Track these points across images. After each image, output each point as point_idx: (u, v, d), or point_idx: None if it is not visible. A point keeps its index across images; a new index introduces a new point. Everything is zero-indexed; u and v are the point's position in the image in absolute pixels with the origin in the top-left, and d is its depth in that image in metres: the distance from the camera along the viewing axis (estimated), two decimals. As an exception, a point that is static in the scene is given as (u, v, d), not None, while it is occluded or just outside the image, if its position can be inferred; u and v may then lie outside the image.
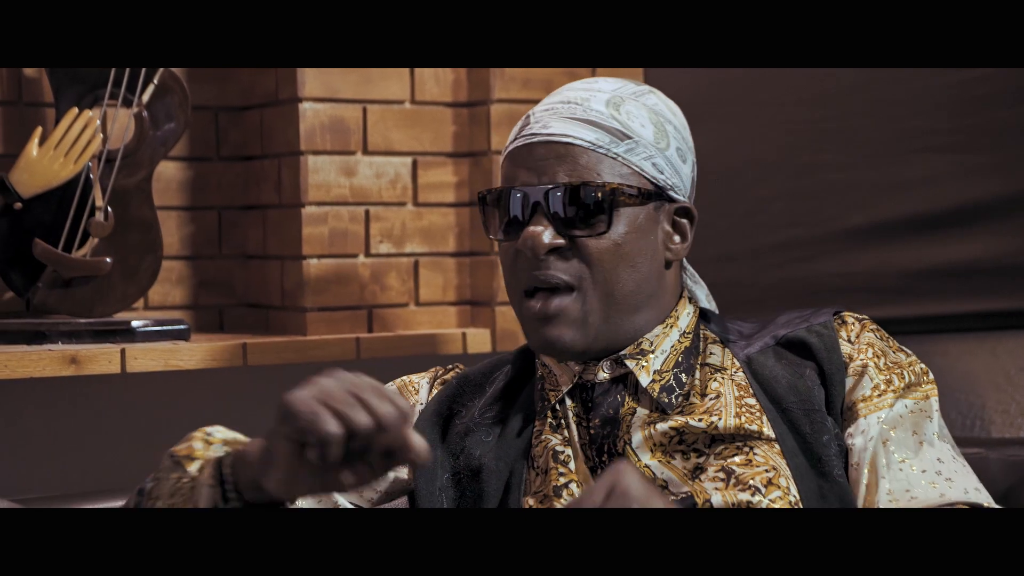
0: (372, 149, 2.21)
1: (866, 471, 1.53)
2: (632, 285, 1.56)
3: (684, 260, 1.65)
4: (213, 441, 1.46)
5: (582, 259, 1.55)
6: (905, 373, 1.57)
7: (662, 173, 1.58)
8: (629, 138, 1.57)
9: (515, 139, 1.60)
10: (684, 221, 1.62)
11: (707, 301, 1.67)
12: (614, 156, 1.56)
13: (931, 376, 1.59)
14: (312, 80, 2.15)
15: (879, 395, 1.55)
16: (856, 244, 2.16)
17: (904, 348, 1.60)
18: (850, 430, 1.55)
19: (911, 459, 1.53)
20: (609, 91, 1.60)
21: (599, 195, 1.55)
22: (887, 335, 1.61)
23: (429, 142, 2.25)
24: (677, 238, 1.61)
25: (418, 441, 1.28)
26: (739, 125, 2.28)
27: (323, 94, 2.16)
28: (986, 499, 1.54)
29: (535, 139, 1.58)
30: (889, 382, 1.56)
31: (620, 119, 1.58)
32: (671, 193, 1.60)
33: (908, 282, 2.12)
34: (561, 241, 1.55)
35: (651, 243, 1.58)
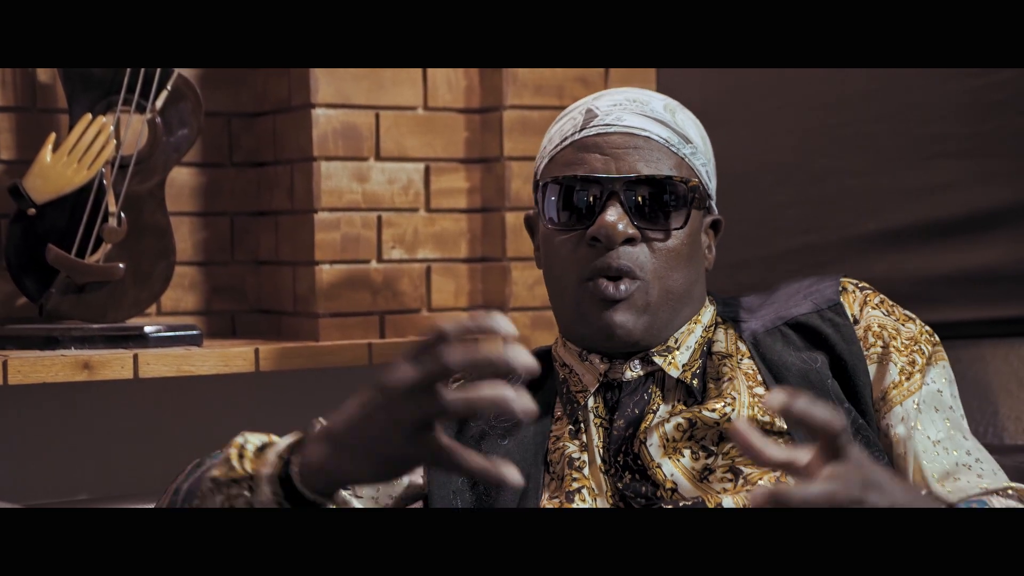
0: (384, 155, 2.21)
1: (912, 459, 1.55)
2: (686, 285, 1.58)
3: None
4: (247, 453, 1.40)
5: (651, 252, 1.56)
6: (923, 347, 1.58)
7: (711, 181, 1.62)
8: (691, 142, 1.60)
9: (581, 128, 1.60)
10: (712, 233, 1.65)
11: None
12: (682, 156, 1.59)
13: (936, 337, 1.61)
14: (325, 86, 2.16)
15: (907, 378, 1.56)
16: (870, 250, 2.16)
17: (907, 312, 1.62)
18: (888, 420, 1.56)
19: (943, 441, 1.55)
20: (659, 97, 1.63)
21: (681, 191, 1.56)
22: (890, 303, 1.62)
23: (441, 148, 2.25)
24: (707, 250, 1.64)
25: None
26: (753, 130, 2.27)
27: (336, 100, 2.17)
28: (1004, 478, 1.57)
29: (611, 129, 1.58)
30: (913, 363, 1.57)
31: (678, 123, 1.60)
32: (711, 203, 1.63)
33: (921, 288, 2.11)
34: (634, 232, 1.55)
35: (700, 248, 1.61)
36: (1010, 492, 1.53)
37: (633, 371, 1.58)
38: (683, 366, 1.58)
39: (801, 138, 2.23)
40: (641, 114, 1.59)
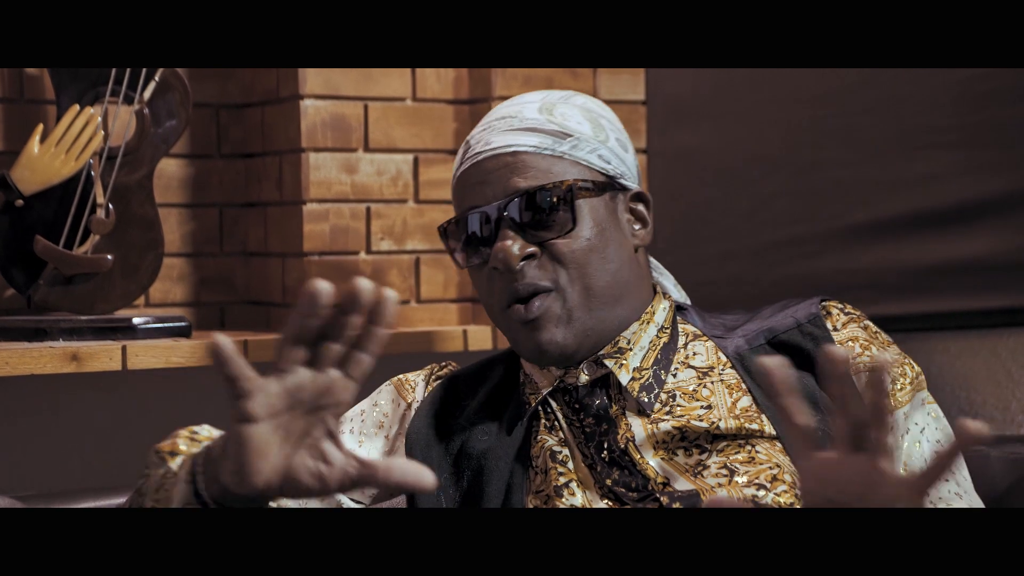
0: (373, 146, 2.20)
1: (901, 469, 1.54)
2: (608, 276, 1.57)
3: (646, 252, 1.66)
4: (199, 439, 1.44)
5: (555, 262, 1.56)
6: (912, 363, 1.59)
7: (609, 163, 1.61)
8: (570, 136, 1.59)
9: (459, 165, 1.62)
10: (640, 207, 1.64)
11: (676, 290, 1.69)
12: (560, 155, 1.58)
13: (918, 367, 1.62)
14: (313, 77, 2.15)
15: (899, 389, 1.56)
16: (858, 241, 2.16)
17: (889, 338, 1.62)
18: None
19: (930, 457, 1.55)
20: (538, 100, 1.63)
21: (557, 195, 1.56)
22: (874, 328, 1.63)
23: (430, 139, 2.25)
24: (638, 225, 1.63)
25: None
26: (741, 122, 2.27)
27: (324, 91, 2.16)
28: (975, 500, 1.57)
29: (480, 157, 1.59)
30: (904, 374, 1.57)
31: (556, 121, 1.60)
32: (622, 181, 1.62)
33: (910, 279, 2.11)
34: (532, 249, 1.56)
35: (617, 233, 1.60)
36: None
37: (585, 375, 1.58)
38: (635, 370, 1.57)
39: (789, 130, 2.23)
40: (508, 130, 1.60)
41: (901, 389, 1.57)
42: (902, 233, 2.12)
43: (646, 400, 1.55)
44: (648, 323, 1.60)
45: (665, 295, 1.65)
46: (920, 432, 1.56)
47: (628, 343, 1.58)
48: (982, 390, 2.06)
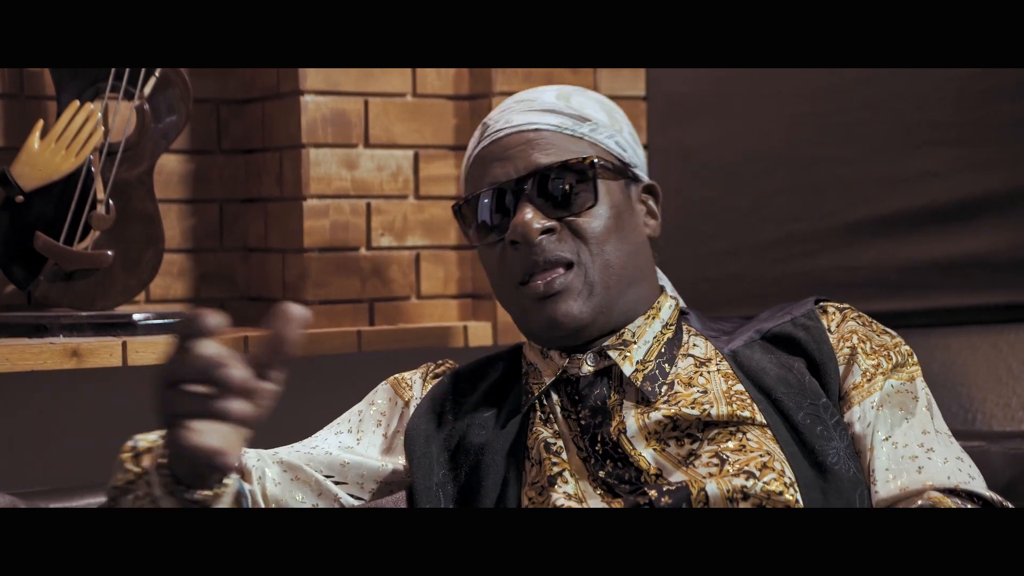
0: (373, 142, 2.20)
1: (868, 456, 1.55)
2: (625, 257, 1.59)
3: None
4: (140, 449, 1.41)
5: (575, 237, 1.58)
6: (892, 354, 1.59)
7: (625, 151, 1.64)
8: (589, 120, 1.61)
9: (478, 144, 1.63)
10: (651, 200, 1.66)
11: (671, 290, 1.70)
12: (580, 136, 1.61)
13: (915, 358, 1.62)
14: (313, 73, 2.15)
15: (868, 380, 1.57)
16: (858, 238, 2.16)
17: (888, 330, 1.63)
18: (848, 417, 1.57)
19: (894, 436, 1.55)
20: (554, 89, 1.66)
21: (581, 170, 1.58)
22: (870, 319, 1.63)
23: (430, 135, 2.25)
24: (648, 216, 1.65)
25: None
26: (741, 119, 2.28)
27: (324, 87, 2.16)
28: (967, 469, 1.56)
29: (501, 134, 1.61)
30: (877, 366, 1.58)
31: (574, 106, 1.63)
32: (636, 171, 1.64)
33: (910, 276, 2.12)
34: (551, 223, 1.57)
35: (632, 219, 1.63)
36: (960, 492, 1.53)
37: (588, 366, 1.59)
38: (638, 362, 1.58)
39: (790, 126, 2.23)
40: (528, 110, 1.62)
41: (870, 380, 1.58)
42: (902, 230, 2.13)
43: (650, 389, 1.56)
44: (654, 318, 1.61)
45: (672, 296, 1.67)
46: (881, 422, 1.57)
47: (633, 336, 1.59)
48: (983, 386, 2.06)
